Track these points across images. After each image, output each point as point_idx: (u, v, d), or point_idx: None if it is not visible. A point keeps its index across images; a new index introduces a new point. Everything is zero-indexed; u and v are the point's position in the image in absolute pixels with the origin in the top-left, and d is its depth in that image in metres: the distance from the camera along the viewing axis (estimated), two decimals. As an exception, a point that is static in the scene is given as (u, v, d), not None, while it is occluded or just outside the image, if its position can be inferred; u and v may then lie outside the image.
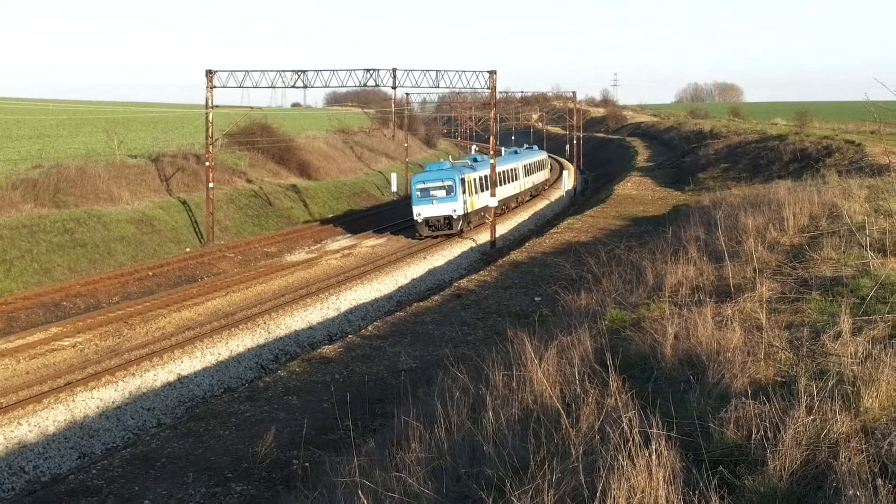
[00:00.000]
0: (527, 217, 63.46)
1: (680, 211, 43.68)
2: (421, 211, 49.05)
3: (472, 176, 52.28)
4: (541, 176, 74.89)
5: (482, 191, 52.70)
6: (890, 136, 44.38)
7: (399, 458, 10.20)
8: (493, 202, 50.10)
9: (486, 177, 52.68)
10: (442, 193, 49.26)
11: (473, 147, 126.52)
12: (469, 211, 50.82)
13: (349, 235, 53.88)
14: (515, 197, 63.65)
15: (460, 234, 50.31)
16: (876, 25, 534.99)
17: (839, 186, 28.32)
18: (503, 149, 75.20)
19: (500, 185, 54.62)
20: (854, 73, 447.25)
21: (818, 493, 7.44)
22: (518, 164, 65.47)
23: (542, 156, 78.70)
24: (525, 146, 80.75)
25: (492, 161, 51.55)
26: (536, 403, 10.42)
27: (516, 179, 63.57)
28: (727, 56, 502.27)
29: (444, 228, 49.87)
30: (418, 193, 49.44)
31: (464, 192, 49.89)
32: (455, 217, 49.41)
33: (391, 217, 60.01)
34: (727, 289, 15.47)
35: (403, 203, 59.90)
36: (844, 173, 38.38)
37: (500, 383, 11.45)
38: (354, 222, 59.27)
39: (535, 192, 71.15)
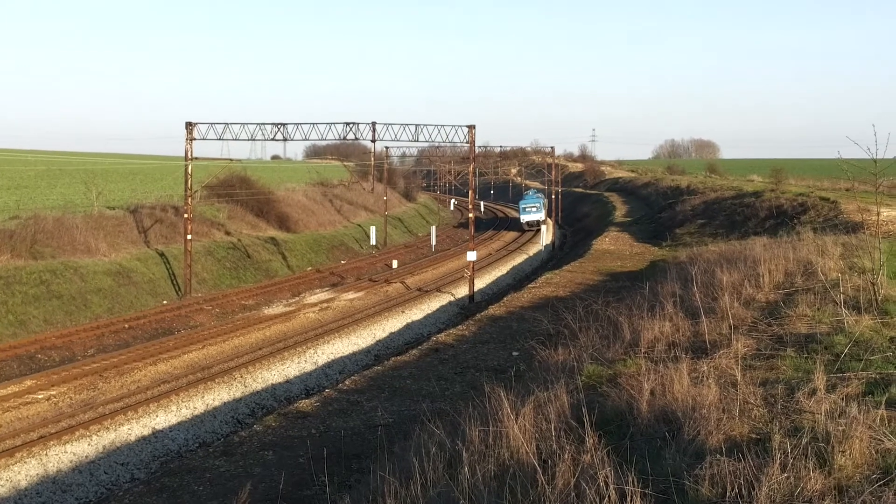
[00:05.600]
0: (505, 271, 63.65)
1: (657, 266, 43.91)
2: (524, 218, 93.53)
3: (544, 202, 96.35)
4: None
5: (542, 210, 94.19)
6: (864, 193, 44.90)
7: (375, 514, 10.13)
8: (472, 256, 50.22)
9: (546, 203, 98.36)
10: (534, 209, 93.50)
11: (452, 201, 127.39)
12: (543, 219, 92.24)
13: (328, 288, 53.80)
14: (544, 219, 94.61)
15: (539, 230, 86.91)
16: (848, 86, 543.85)
17: (814, 243, 28.56)
18: (531, 190, 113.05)
19: (542, 211, 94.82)
20: (828, 131, 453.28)
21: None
22: (545, 200, 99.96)
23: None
24: (534, 192, 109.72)
25: (470, 209, 51.86)
26: (513, 459, 10.39)
27: (543, 210, 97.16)
28: (703, 113, 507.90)
29: (535, 227, 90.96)
30: (523, 209, 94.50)
31: (543, 210, 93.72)
32: (539, 221, 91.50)
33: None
34: (703, 345, 15.55)
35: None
36: (819, 230, 38.81)
37: (477, 439, 11.40)
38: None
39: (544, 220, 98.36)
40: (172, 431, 26.38)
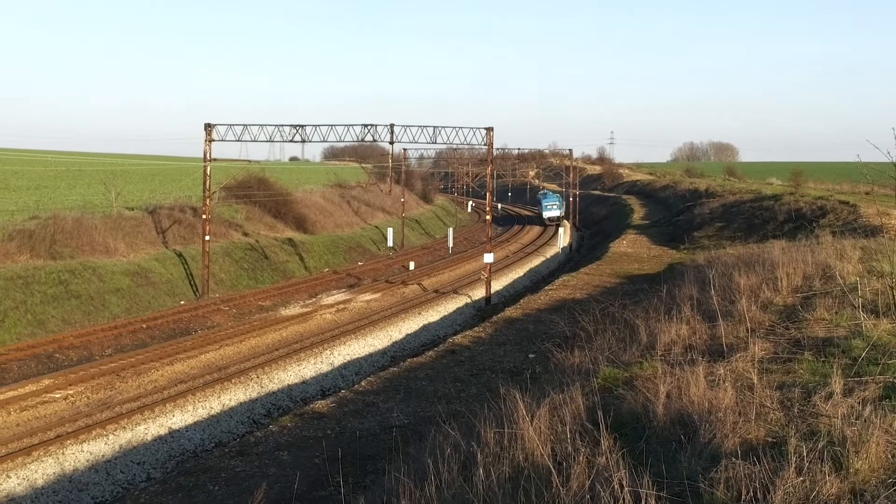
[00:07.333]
0: (522, 273, 63.59)
1: (675, 269, 43.74)
2: (546, 214, 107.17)
3: (562, 201, 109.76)
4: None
5: (561, 207, 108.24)
6: (883, 197, 44.64)
7: (389, 515, 10.12)
8: (490, 258, 50.21)
9: (563, 203, 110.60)
10: (555, 207, 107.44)
11: (469, 203, 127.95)
12: (562, 215, 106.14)
13: (344, 290, 53.87)
14: (562, 216, 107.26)
15: (560, 224, 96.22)
16: (868, 89, 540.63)
17: (833, 247, 28.41)
18: (549, 191, 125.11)
19: (561, 208, 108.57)
20: (847, 134, 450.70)
21: (808, 556, 7.39)
22: (562, 200, 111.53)
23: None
24: (552, 192, 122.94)
25: (488, 211, 51.84)
26: (527, 461, 10.36)
27: (562, 207, 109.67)
28: (722, 115, 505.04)
29: (556, 221, 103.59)
30: (545, 206, 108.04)
31: (562, 208, 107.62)
32: (559, 216, 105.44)
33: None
34: (720, 348, 15.47)
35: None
36: (838, 234, 38.60)
37: (492, 440, 11.38)
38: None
39: (562, 216, 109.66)
40: (189, 431, 26.47)
